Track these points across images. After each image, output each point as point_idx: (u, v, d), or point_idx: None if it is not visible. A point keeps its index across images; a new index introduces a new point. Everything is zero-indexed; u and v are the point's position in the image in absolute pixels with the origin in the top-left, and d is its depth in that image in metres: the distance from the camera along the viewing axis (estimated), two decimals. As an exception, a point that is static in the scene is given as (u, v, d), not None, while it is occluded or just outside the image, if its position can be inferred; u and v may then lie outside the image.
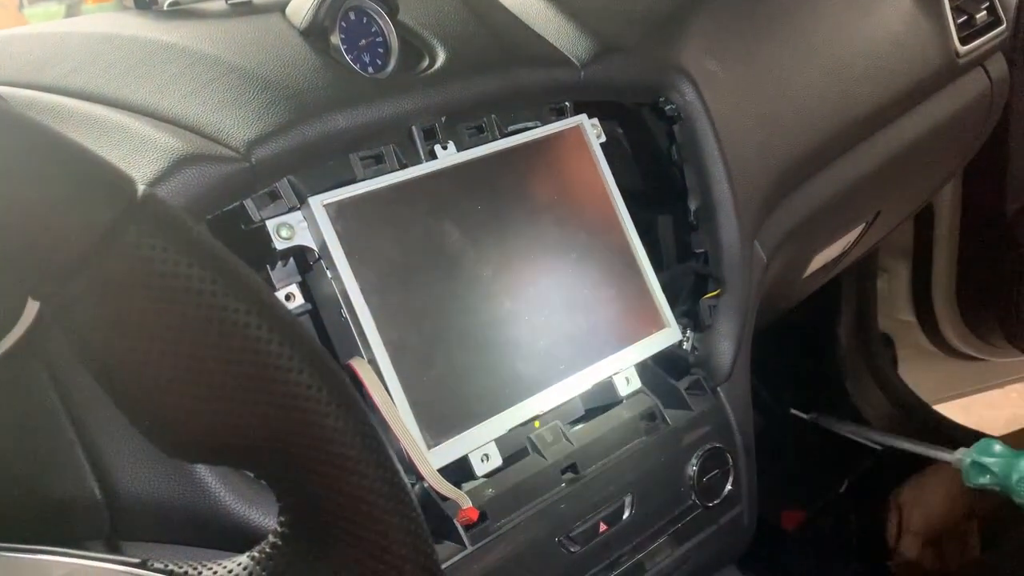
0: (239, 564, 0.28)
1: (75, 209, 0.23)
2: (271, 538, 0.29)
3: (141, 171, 0.49)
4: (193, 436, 0.26)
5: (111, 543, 0.43)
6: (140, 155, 0.50)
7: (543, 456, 0.58)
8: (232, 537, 0.44)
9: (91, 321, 0.24)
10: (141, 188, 0.25)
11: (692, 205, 0.71)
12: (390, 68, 0.60)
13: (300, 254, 0.55)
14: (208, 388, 0.25)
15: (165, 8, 0.62)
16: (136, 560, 0.28)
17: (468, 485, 0.55)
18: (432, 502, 0.53)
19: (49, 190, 0.23)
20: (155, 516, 0.44)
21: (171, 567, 0.28)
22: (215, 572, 0.28)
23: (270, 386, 0.26)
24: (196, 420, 0.26)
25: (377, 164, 0.57)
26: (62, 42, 0.62)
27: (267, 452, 0.27)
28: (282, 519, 0.28)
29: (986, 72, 1.02)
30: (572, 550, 0.58)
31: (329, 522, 0.28)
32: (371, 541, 0.28)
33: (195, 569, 0.28)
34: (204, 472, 0.44)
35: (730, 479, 0.67)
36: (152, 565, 0.28)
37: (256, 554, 0.28)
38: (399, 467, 0.30)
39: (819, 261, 0.90)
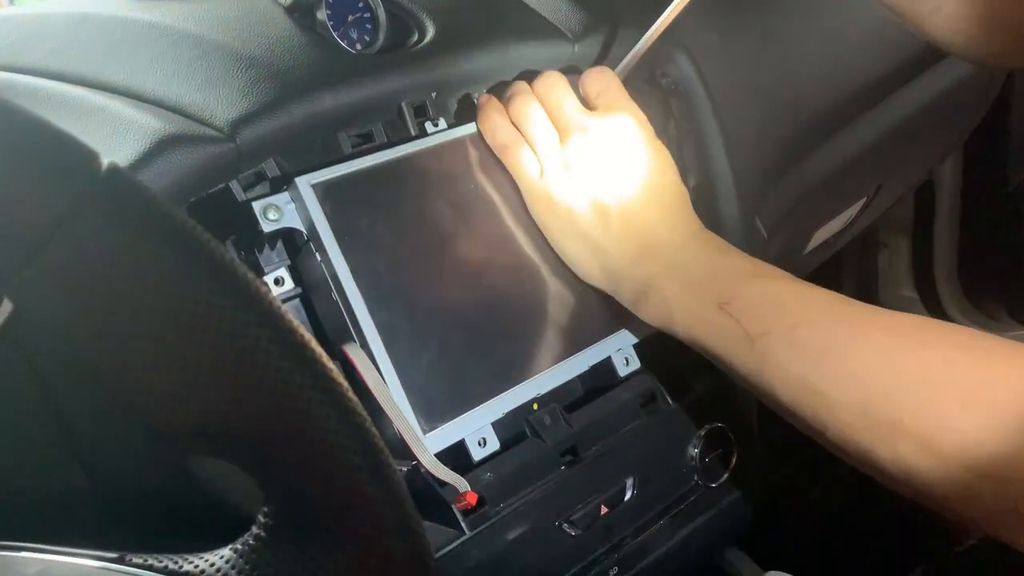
0: (221, 557, 0.27)
1: (34, 185, 0.22)
2: (254, 529, 0.27)
3: (122, 153, 0.47)
4: (167, 422, 0.25)
5: (97, 534, 0.42)
6: (121, 137, 0.48)
7: (542, 439, 0.57)
8: (223, 526, 0.43)
9: (54, 303, 0.23)
10: (105, 162, 0.24)
11: (691, 181, 0.69)
12: (378, 44, 0.58)
13: (289, 236, 0.54)
14: (180, 372, 0.24)
15: (146, -14, 0.61)
16: (113, 555, 0.27)
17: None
18: (429, 488, 0.52)
19: (5, 166, 0.22)
20: (142, 506, 0.43)
21: (151, 561, 0.27)
22: (196, 566, 0.27)
23: (247, 370, 0.25)
24: (169, 405, 0.24)
25: (366, 143, 0.55)
26: (41, 23, 0.61)
27: (245, 439, 0.25)
28: (266, 509, 0.27)
29: (988, 42, 1.00)
30: (573, 533, 0.57)
31: (315, 512, 0.27)
32: (359, 531, 0.27)
33: (176, 563, 0.27)
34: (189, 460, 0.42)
35: (733, 459, 0.66)
36: (130, 560, 0.27)
37: (239, 546, 0.27)
38: (388, 453, 0.28)
39: (820, 236, 0.89)
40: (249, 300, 0.25)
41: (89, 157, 0.23)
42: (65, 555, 0.27)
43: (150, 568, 0.26)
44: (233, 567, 0.27)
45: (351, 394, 0.27)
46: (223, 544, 0.29)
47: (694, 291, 0.54)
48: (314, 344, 0.27)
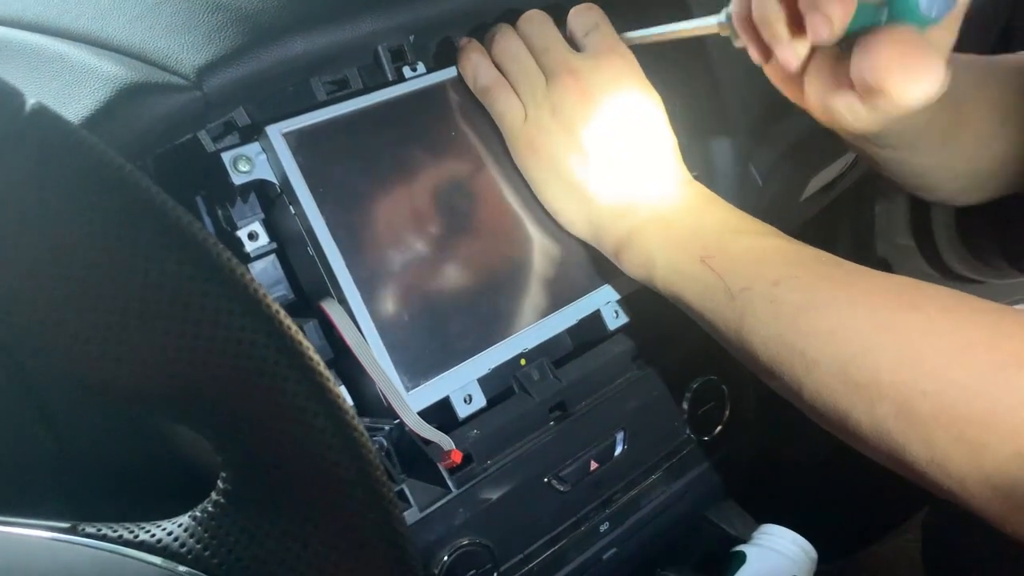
0: (179, 525, 0.25)
1: None
2: (213, 496, 0.26)
3: (82, 103, 0.45)
4: (112, 386, 0.23)
5: (64, 499, 0.40)
6: (81, 86, 0.46)
7: (530, 395, 0.55)
8: (195, 489, 0.41)
9: None
10: (30, 102, 0.22)
11: (681, 128, 0.67)
12: (353, -15, 0.56)
13: (262, 189, 0.51)
14: (119, 332, 0.22)
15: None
16: (65, 525, 0.25)
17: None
18: (415, 446, 0.50)
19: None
20: (110, 469, 0.41)
21: (104, 531, 0.25)
22: (152, 535, 0.25)
23: (193, 326, 0.23)
24: (112, 369, 0.23)
25: (341, 89, 0.53)
26: (-2, -32, 0.58)
27: (198, 402, 0.24)
28: (224, 475, 0.26)
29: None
30: (562, 489, 0.56)
31: (274, 476, 0.25)
32: (324, 500, 0.25)
33: (131, 532, 0.25)
34: (159, 422, 0.41)
35: (726, 412, 0.65)
36: (83, 529, 0.25)
37: (198, 513, 0.26)
38: (352, 413, 0.27)
39: (817, 183, 0.87)
40: (195, 250, 0.23)
41: (11, 96, 0.21)
42: (13, 526, 0.25)
43: (103, 538, 0.25)
44: (191, 535, 0.25)
45: (312, 352, 0.26)
46: (188, 511, 0.28)
47: (676, 244, 0.52)
48: (268, 299, 0.25)
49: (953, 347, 0.41)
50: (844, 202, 1.24)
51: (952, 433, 0.40)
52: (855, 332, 0.44)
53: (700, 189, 0.56)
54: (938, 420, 0.40)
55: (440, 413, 0.52)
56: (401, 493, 0.50)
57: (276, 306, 0.25)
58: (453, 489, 0.51)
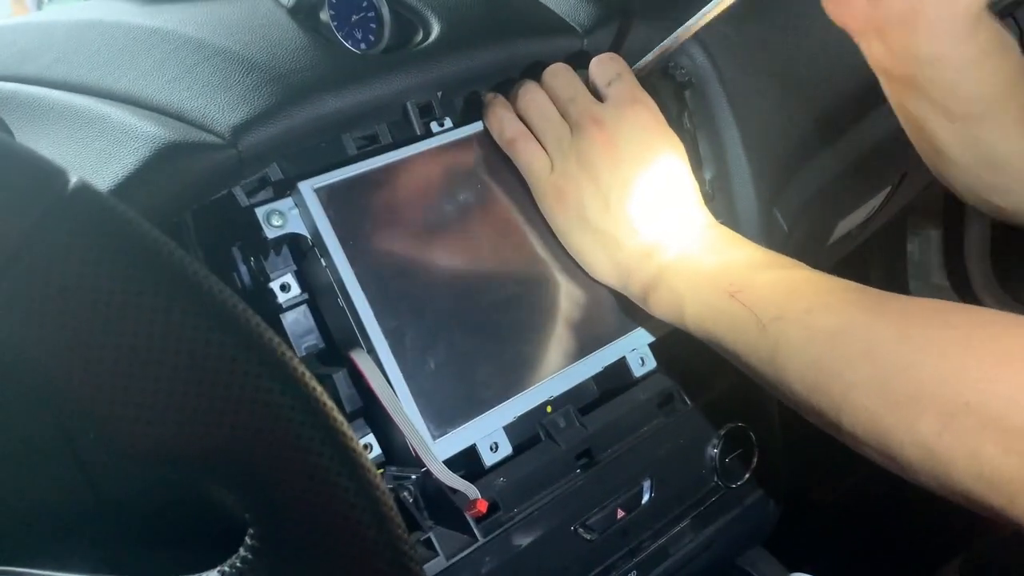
0: (208, 581, 0.26)
1: None
2: (242, 551, 0.27)
3: (123, 161, 0.47)
4: (141, 450, 0.24)
5: (100, 549, 0.41)
6: (122, 145, 0.48)
7: (556, 442, 0.56)
8: (228, 540, 0.42)
9: (15, 329, 0.22)
10: (73, 180, 0.23)
11: (707, 174, 0.68)
12: (383, 44, 0.57)
13: (295, 241, 0.53)
14: (151, 397, 0.23)
15: (151, -9, 0.60)
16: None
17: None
18: (441, 494, 0.51)
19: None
20: (145, 520, 0.42)
21: (134, 585, 0.26)
22: (181, 590, 0.26)
23: (224, 390, 0.24)
24: (142, 433, 0.24)
25: (371, 144, 0.55)
26: (46, 32, 0.61)
27: (226, 463, 0.25)
28: (251, 531, 0.26)
29: (1016, 22, 0.97)
30: (589, 538, 0.56)
31: (300, 533, 0.26)
32: (347, 554, 0.26)
33: (161, 587, 0.26)
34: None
35: (754, 459, 0.65)
36: (115, 584, 0.26)
37: (227, 568, 0.26)
38: (374, 472, 0.27)
39: (844, 227, 0.87)
40: (227, 319, 0.24)
41: (55, 175, 0.23)
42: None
43: (133, 593, 0.26)
44: (221, 590, 0.26)
45: (336, 412, 0.27)
46: (222, 561, 0.29)
47: (704, 281, 0.53)
48: (296, 362, 0.26)
49: (993, 358, 0.41)
50: (874, 244, 1.24)
51: (1000, 446, 0.39)
52: (892, 351, 0.43)
53: (724, 230, 0.57)
54: (984, 432, 0.39)
55: (467, 461, 0.52)
56: (428, 541, 0.51)
57: (303, 368, 0.26)
58: (480, 538, 0.51)
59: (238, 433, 0.24)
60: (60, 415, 0.23)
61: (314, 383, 0.26)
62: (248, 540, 0.27)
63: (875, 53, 0.48)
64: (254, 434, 0.24)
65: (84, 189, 0.23)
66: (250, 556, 0.26)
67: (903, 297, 0.47)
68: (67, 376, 0.23)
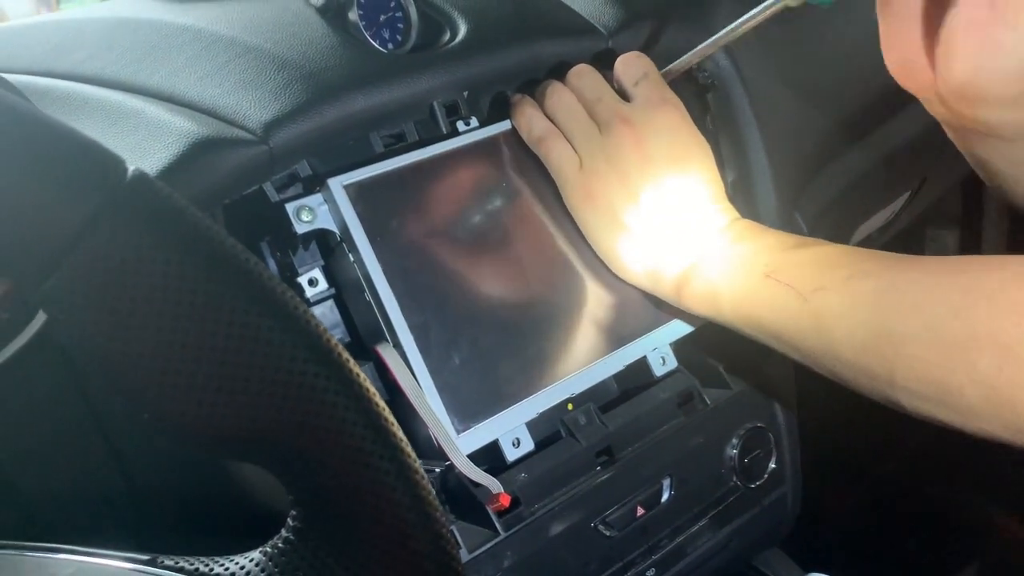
0: (251, 560, 0.27)
1: (56, 194, 0.22)
2: (284, 533, 0.27)
3: (156, 156, 0.48)
4: (194, 430, 0.25)
5: (131, 536, 0.42)
6: (156, 140, 0.49)
7: (577, 439, 0.56)
8: (253, 529, 0.43)
9: (76, 313, 0.23)
10: (130, 169, 0.24)
11: (728, 176, 0.68)
12: (410, 43, 0.58)
13: (323, 237, 0.54)
14: (205, 379, 0.24)
15: (182, -10, 0.61)
16: (145, 557, 0.27)
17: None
18: (464, 488, 0.52)
19: (27, 174, 0.22)
20: (176, 508, 0.43)
21: (182, 563, 0.27)
22: (226, 568, 0.27)
23: (276, 376, 0.25)
24: (195, 413, 0.24)
25: (398, 142, 0.55)
26: (79, 29, 0.62)
27: (273, 444, 0.25)
28: (294, 513, 0.27)
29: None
30: (609, 535, 0.56)
31: (343, 516, 0.26)
32: (387, 535, 0.27)
33: (207, 565, 0.27)
34: (227, 461, 0.43)
35: (773, 459, 0.65)
36: (162, 562, 0.27)
37: (269, 549, 0.27)
38: (414, 456, 0.28)
39: (864, 231, 0.87)
40: (276, 307, 0.25)
41: (114, 164, 0.24)
42: (99, 557, 0.27)
43: (180, 571, 0.27)
44: (263, 570, 0.27)
45: (378, 399, 0.27)
46: (253, 547, 0.29)
47: (738, 268, 0.53)
48: (340, 348, 0.26)
49: None
50: (893, 248, 1.24)
51: None
52: (941, 299, 0.43)
53: (751, 222, 0.57)
54: None
55: (489, 456, 0.53)
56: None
57: (346, 355, 0.27)
58: (501, 532, 0.52)
59: (286, 416, 0.25)
60: (110, 395, 0.24)
61: (357, 369, 0.27)
62: (290, 521, 0.27)
63: (938, 112, 0.48)
64: (301, 417, 0.25)
65: (142, 178, 0.24)
66: (292, 537, 0.27)
67: (936, 257, 0.47)
68: (124, 358, 0.23)
